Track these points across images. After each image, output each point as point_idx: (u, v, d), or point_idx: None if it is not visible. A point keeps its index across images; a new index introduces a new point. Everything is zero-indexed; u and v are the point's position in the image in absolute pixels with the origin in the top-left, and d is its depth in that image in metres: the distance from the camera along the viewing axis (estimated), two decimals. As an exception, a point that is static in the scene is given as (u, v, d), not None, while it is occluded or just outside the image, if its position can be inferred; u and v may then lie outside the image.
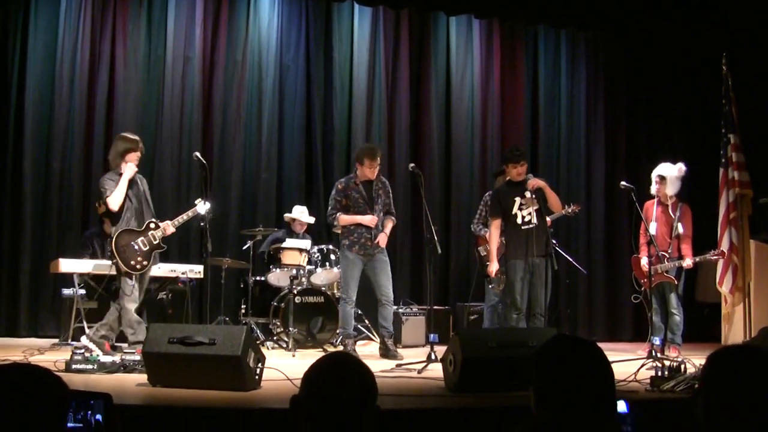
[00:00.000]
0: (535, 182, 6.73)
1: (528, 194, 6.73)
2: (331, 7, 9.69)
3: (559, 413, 1.91)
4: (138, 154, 6.56)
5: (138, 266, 6.36)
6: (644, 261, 7.55)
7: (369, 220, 6.99)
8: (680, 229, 7.65)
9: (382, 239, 7.06)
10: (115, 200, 6.38)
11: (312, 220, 8.59)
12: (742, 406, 1.90)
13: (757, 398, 1.89)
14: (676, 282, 7.56)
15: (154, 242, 6.46)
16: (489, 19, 10.20)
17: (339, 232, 7.23)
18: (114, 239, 6.38)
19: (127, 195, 6.44)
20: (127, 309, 6.30)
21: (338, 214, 7.03)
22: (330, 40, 9.64)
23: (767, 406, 1.89)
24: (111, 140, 8.68)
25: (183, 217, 6.70)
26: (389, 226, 7.21)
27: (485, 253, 7.72)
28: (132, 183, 6.51)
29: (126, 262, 6.33)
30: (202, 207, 6.59)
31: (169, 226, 6.57)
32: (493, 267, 6.86)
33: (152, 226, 6.49)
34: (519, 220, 6.77)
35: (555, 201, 6.85)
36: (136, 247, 6.36)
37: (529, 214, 6.75)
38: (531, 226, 6.73)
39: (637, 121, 10.64)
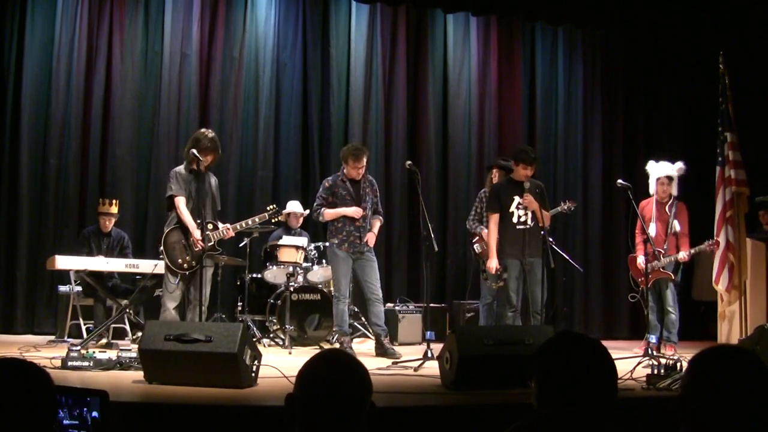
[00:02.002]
0: (528, 202, 6.73)
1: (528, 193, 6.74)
2: (328, 3, 9.68)
3: (560, 408, 1.92)
4: (209, 157, 6.46)
5: (185, 265, 6.32)
6: (641, 259, 7.55)
7: (353, 211, 6.96)
8: (677, 227, 7.66)
9: (371, 238, 7.08)
10: (183, 209, 6.38)
11: (307, 212, 8.58)
12: (727, 408, 1.90)
13: (742, 399, 1.89)
14: (672, 277, 7.56)
15: (209, 243, 6.35)
16: (486, 16, 10.20)
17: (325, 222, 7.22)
18: (165, 234, 6.38)
19: (189, 189, 6.39)
20: (166, 306, 6.30)
21: (323, 210, 7.04)
22: (327, 36, 9.64)
23: (751, 407, 1.89)
24: (108, 137, 8.78)
25: (249, 222, 6.71)
26: (377, 225, 7.22)
27: (480, 251, 7.73)
28: (198, 177, 6.44)
29: (173, 259, 6.32)
30: (272, 215, 6.81)
31: (230, 230, 6.51)
32: (492, 263, 6.85)
33: (210, 227, 6.42)
34: (515, 219, 6.79)
35: (545, 220, 6.82)
36: (187, 245, 6.33)
37: (525, 214, 6.77)
38: (526, 226, 6.74)
39: (634, 119, 10.64)
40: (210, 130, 6.69)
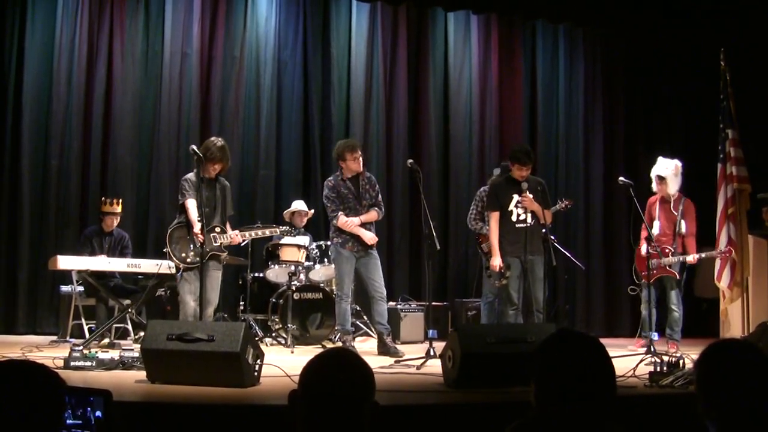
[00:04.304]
0: (528, 204, 6.74)
1: (527, 193, 6.73)
2: (328, 2, 9.68)
3: (559, 407, 1.92)
4: (217, 166, 6.49)
5: (188, 259, 6.38)
6: (644, 249, 7.52)
7: (369, 237, 6.97)
8: (683, 228, 7.65)
9: (364, 218, 7.02)
10: (191, 207, 6.42)
11: (312, 211, 8.60)
12: (737, 400, 1.92)
13: (750, 391, 1.91)
14: (677, 276, 7.56)
15: (214, 244, 6.43)
16: (487, 14, 10.21)
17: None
18: (169, 232, 6.47)
19: (199, 196, 6.39)
20: (185, 301, 6.35)
21: (340, 214, 6.97)
22: (328, 35, 9.64)
23: (760, 398, 1.90)
24: (109, 137, 8.78)
25: (259, 233, 6.80)
26: (373, 213, 7.10)
27: (488, 250, 7.72)
28: (208, 184, 6.48)
29: (177, 253, 6.39)
30: (282, 233, 7.08)
31: (237, 236, 6.59)
32: (496, 261, 6.84)
33: (217, 230, 6.48)
34: (514, 218, 6.80)
35: (547, 217, 6.83)
36: (192, 241, 6.38)
37: (525, 212, 6.77)
38: (525, 224, 6.74)
39: (635, 116, 10.65)
40: (220, 139, 6.69)
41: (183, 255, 6.39)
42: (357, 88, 9.65)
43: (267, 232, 7.03)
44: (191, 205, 6.42)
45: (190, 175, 6.56)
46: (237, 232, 6.66)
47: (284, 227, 7.34)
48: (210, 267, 6.39)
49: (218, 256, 6.53)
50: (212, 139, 6.71)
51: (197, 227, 6.33)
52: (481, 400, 4.35)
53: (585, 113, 10.46)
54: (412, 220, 9.54)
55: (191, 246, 6.39)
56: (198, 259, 6.32)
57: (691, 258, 7.53)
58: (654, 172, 7.81)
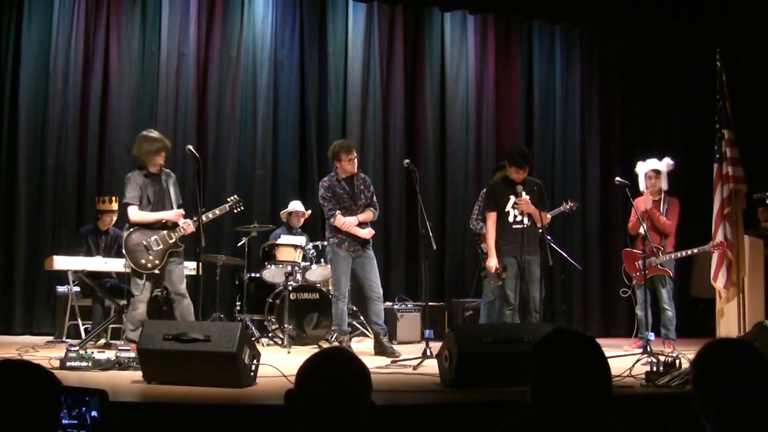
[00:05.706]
0: (524, 206, 6.72)
1: (524, 194, 6.73)
2: (325, 2, 9.69)
3: (555, 405, 1.92)
4: (162, 154, 6.45)
5: (149, 265, 6.28)
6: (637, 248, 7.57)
7: (366, 233, 6.99)
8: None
9: (361, 216, 7.03)
10: (134, 213, 6.36)
11: (309, 212, 8.59)
12: (733, 399, 1.93)
13: (747, 390, 1.92)
14: (671, 274, 7.60)
15: (170, 241, 6.35)
16: (483, 14, 10.21)
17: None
18: (125, 238, 6.35)
19: (146, 193, 6.38)
20: (135, 306, 6.29)
21: (337, 213, 6.99)
22: (324, 36, 9.64)
23: (757, 397, 1.91)
24: (105, 136, 8.77)
25: (209, 215, 6.65)
26: (368, 214, 7.12)
27: (487, 250, 7.72)
28: (154, 179, 6.44)
29: (136, 261, 6.29)
30: (233, 205, 6.84)
31: (189, 226, 6.43)
32: (492, 262, 6.83)
33: (170, 224, 6.39)
34: (511, 219, 6.79)
35: (544, 219, 6.83)
36: (148, 245, 6.30)
37: (521, 213, 6.76)
38: (522, 225, 6.73)
39: (631, 116, 10.66)
40: (153, 130, 6.69)
41: (143, 261, 6.30)
42: (354, 88, 9.65)
43: (217, 211, 6.71)
44: (133, 212, 6.36)
45: (135, 173, 6.48)
46: (189, 221, 6.47)
47: (235, 197, 7.03)
48: (172, 263, 6.37)
49: (177, 252, 6.44)
50: (144, 132, 6.63)
51: (170, 214, 6.35)
52: (477, 399, 4.36)
53: (582, 113, 10.47)
54: (408, 220, 9.54)
55: (149, 251, 6.31)
56: (157, 262, 6.30)
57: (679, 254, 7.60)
58: (648, 167, 7.84)
